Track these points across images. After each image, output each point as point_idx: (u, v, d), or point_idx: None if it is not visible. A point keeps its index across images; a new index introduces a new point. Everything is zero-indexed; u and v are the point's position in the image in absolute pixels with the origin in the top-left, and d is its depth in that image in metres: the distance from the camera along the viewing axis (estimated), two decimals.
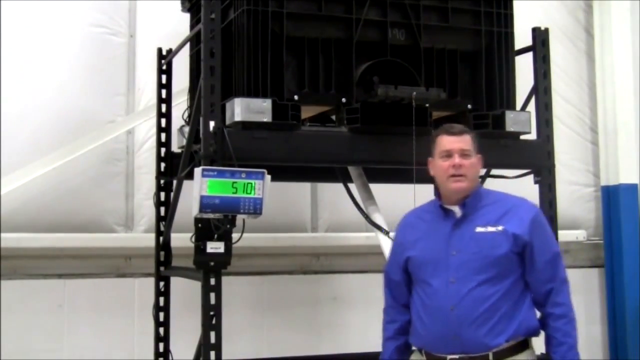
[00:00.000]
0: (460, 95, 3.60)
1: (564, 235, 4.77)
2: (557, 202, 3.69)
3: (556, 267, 2.57)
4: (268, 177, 2.82)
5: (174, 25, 4.32)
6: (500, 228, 2.55)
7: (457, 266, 2.56)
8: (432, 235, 2.66)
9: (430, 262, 2.63)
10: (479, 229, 2.57)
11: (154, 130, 4.27)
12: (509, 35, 3.68)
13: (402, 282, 2.74)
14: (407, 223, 2.78)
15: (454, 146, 2.63)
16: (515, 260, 2.55)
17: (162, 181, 4.08)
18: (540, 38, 3.75)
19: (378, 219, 3.69)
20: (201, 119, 3.14)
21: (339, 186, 4.07)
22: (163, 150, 4.10)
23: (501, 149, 3.56)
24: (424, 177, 3.19)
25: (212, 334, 3.06)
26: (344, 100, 3.36)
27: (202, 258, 3.07)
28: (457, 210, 2.63)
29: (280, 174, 3.24)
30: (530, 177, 3.76)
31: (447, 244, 2.60)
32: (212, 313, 3.07)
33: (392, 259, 2.82)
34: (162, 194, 4.06)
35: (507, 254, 2.53)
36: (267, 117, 3.16)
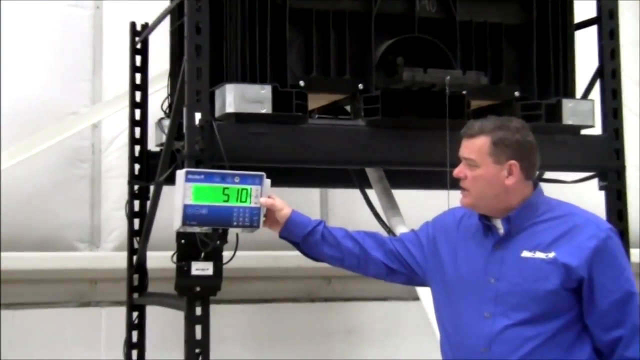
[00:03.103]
0: (506, 80, 3.63)
1: (637, 254, 4.77)
2: (628, 212, 3.71)
3: (627, 311, 2.45)
4: (267, 181, 2.84)
5: None
6: (551, 255, 2.48)
7: (493, 297, 2.53)
8: (469, 252, 2.64)
9: (462, 287, 2.60)
10: (526, 254, 2.51)
11: (126, 124, 4.31)
12: (567, 5, 3.70)
13: (396, 252, 2.78)
14: (450, 220, 2.75)
15: (461, 152, 2.61)
16: (569, 298, 2.49)
17: (136, 187, 4.12)
18: (607, 8, 3.76)
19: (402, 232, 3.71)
20: (185, 110, 3.18)
21: (355, 193, 4.10)
22: (137, 148, 4.14)
23: (557, 146, 3.58)
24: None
25: None
26: (360, 86, 3.39)
27: (185, 282, 3.10)
28: (499, 226, 2.60)
29: (282, 177, 3.26)
30: (594, 182, 3.77)
31: (484, 268, 2.57)
32: (197, 350, 3.10)
33: (413, 236, 2.81)
34: (136, 203, 4.10)
35: (556, 290, 2.47)
36: (266, 108, 3.20)
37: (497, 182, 2.55)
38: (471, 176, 2.57)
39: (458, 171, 2.60)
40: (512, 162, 2.54)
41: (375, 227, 3.87)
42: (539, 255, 2.50)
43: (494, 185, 2.55)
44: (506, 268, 2.54)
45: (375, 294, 5.04)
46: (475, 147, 2.56)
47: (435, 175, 3.47)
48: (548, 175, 3.94)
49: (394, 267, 2.80)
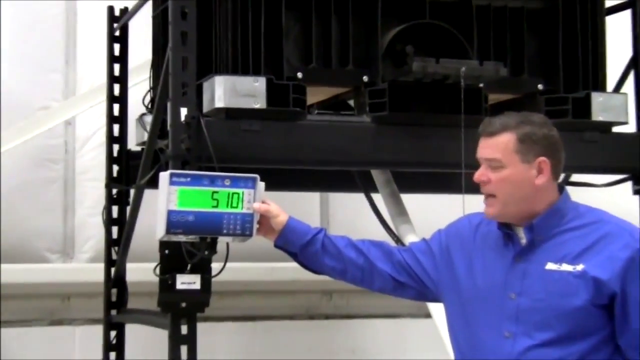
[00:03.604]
0: (528, 72, 3.64)
1: None
2: None
3: None
4: (261, 184, 2.85)
5: None
6: (579, 268, 2.47)
7: (514, 315, 2.53)
8: (487, 264, 2.64)
9: (479, 302, 2.61)
10: (551, 266, 2.51)
11: (103, 120, 4.33)
12: None
13: (404, 263, 2.79)
14: (465, 227, 2.76)
15: (480, 153, 2.59)
16: (600, 316, 2.49)
17: (114, 190, 4.14)
18: None
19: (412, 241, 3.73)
20: (169, 105, 3.20)
21: (359, 197, 4.12)
22: (116, 147, 4.16)
23: (585, 145, 3.60)
24: (479, 185, 3.24)
25: None
26: (365, 78, 3.41)
27: (169, 297, 3.12)
28: (522, 234, 2.59)
29: (278, 180, 3.27)
30: (627, 186, 3.79)
31: (504, 282, 2.57)
32: None
33: (424, 245, 2.82)
34: (115, 209, 4.12)
35: (585, 306, 2.44)
36: (260, 103, 3.22)
37: (527, 183, 2.54)
38: (497, 179, 2.55)
39: (480, 174, 2.58)
40: (542, 159, 2.54)
41: (381, 235, 3.88)
42: (566, 267, 2.50)
43: (524, 187, 2.55)
44: (529, 282, 2.54)
45: (382, 310, 5.05)
46: (499, 145, 2.55)
47: (449, 177, 3.50)
48: (575, 178, 3.95)
49: (402, 280, 2.81)
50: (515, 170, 2.54)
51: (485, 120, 2.62)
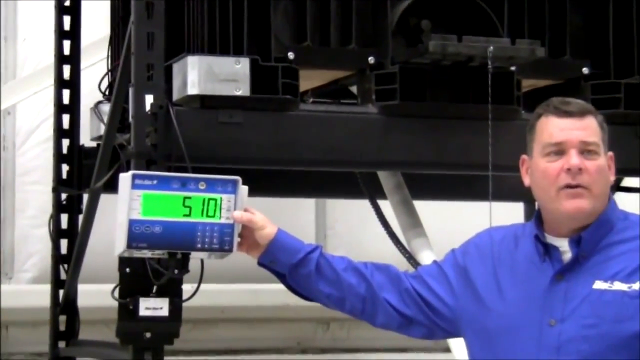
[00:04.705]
0: (570, 52, 3.64)
1: None
2: None
3: None
4: (244, 189, 2.85)
5: None
6: (635, 286, 2.50)
7: (556, 346, 2.53)
8: (518, 284, 2.65)
9: (510, 332, 2.60)
10: (600, 285, 2.52)
11: (49, 109, 4.33)
12: None
13: (413, 292, 2.77)
14: (486, 243, 2.77)
15: (570, 136, 2.56)
16: None
17: (63, 195, 4.12)
18: None
19: (427, 259, 3.72)
20: (131, 91, 3.19)
21: (363, 205, 4.12)
22: (66, 143, 4.15)
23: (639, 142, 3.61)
24: (510, 191, 3.21)
25: None
26: (371, 60, 3.41)
27: (131, 326, 3.11)
28: (566, 248, 2.60)
29: (264, 183, 3.28)
30: None
31: (542, 305, 2.57)
32: None
33: (435, 269, 2.81)
34: (64, 218, 4.11)
35: None
36: (242, 89, 3.21)
37: (610, 177, 2.59)
38: (595, 167, 2.54)
39: (578, 162, 2.53)
40: (611, 153, 2.59)
41: (390, 251, 3.89)
42: (619, 286, 2.51)
43: (608, 183, 2.58)
44: (573, 305, 2.54)
45: (390, 342, 5.05)
46: (592, 128, 2.56)
47: (473, 181, 3.49)
48: (627, 181, 3.96)
49: (410, 314, 2.80)
50: (605, 159, 2.57)
51: (556, 100, 2.62)
